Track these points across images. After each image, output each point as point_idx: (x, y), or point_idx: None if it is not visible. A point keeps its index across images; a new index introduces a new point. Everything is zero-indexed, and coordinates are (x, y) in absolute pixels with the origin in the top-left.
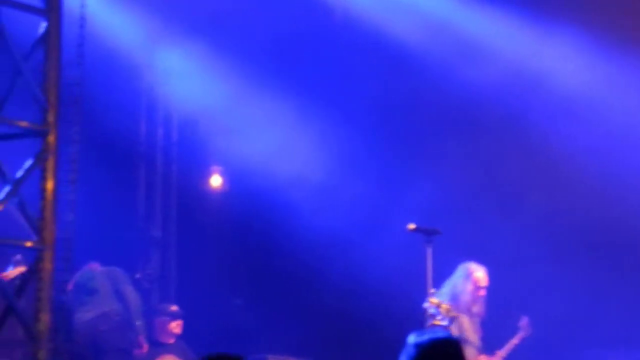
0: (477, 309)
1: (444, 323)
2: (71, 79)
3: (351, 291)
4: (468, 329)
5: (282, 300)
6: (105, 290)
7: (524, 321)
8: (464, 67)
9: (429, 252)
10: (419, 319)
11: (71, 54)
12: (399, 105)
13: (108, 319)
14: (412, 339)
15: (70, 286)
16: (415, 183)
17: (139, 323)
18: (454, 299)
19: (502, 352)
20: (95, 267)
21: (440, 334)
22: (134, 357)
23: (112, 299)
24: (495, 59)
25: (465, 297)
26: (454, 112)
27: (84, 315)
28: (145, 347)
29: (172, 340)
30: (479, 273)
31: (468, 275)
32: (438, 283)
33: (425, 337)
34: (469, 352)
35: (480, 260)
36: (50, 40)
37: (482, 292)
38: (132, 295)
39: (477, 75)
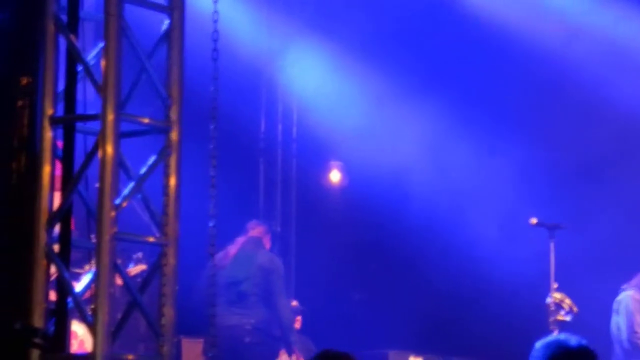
0: None
1: (567, 319)
2: (198, 75)
3: (473, 286)
4: None
5: (402, 295)
6: (256, 297)
7: None
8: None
9: (552, 246)
10: (543, 315)
11: (192, 50)
12: (520, 97)
13: (251, 332)
14: (539, 344)
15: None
16: (536, 175)
17: (293, 339)
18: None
19: None
20: (256, 231)
21: (573, 341)
22: None
23: (261, 310)
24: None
25: None
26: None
27: (231, 317)
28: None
29: None
30: None
31: None
32: (561, 277)
33: (556, 346)
34: None
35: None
36: (174, 37)
37: None
38: (284, 309)
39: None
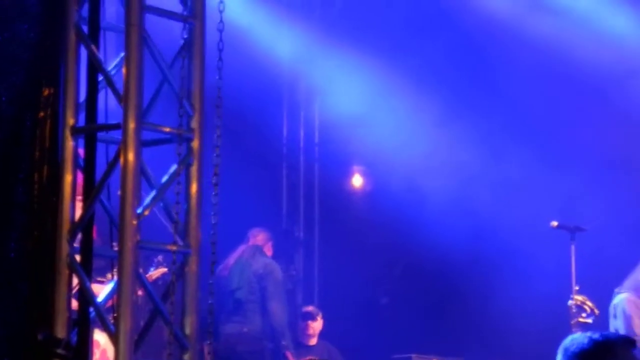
0: None
1: (589, 320)
2: (213, 84)
3: (496, 290)
4: None
5: (426, 299)
6: (252, 304)
7: None
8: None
9: (573, 248)
10: (564, 317)
11: (213, 59)
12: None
13: (245, 340)
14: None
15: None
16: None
17: (284, 342)
18: (638, 292)
19: None
20: (258, 238)
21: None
22: None
23: (255, 316)
24: None
25: None
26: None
27: (227, 325)
28: None
29: (313, 342)
30: None
31: None
32: (582, 280)
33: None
34: None
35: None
36: (195, 46)
37: None
38: (276, 312)
39: None
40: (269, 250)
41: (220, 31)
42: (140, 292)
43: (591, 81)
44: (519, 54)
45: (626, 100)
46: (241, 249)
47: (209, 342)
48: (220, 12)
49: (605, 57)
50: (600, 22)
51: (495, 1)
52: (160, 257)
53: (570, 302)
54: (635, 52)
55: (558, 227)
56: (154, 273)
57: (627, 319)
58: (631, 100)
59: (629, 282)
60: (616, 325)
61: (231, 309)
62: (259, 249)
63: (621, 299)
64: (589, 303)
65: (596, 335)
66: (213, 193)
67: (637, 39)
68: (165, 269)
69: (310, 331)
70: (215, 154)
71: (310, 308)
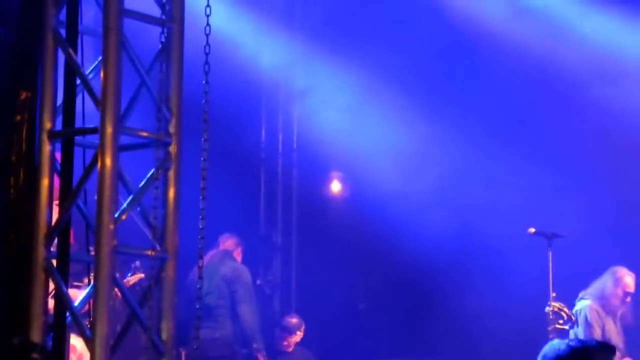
0: (621, 313)
1: (566, 327)
2: (198, 88)
3: (473, 295)
4: (612, 331)
5: (405, 305)
6: (222, 309)
7: None
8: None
9: (550, 255)
10: (541, 323)
11: (192, 63)
12: (521, 111)
13: (217, 345)
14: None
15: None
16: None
17: (255, 346)
18: (602, 300)
19: None
20: (227, 244)
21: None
22: None
23: (225, 321)
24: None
25: (613, 301)
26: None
27: (199, 331)
28: None
29: (290, 349)
30: (628, 278)
31: (617, 280)
32: (559, 286)
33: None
34: None
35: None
36: (173, 50)
37: (629, 299)
38: (247, 316)
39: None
40: (238, 256)
41: (207, 35)
42: (117, 293)
43: (573, 84)
44: (501, 55)
45: (605, 105)
46: (211, 254)
47: (195, 347)
48: (207, 16)
49: (588, 60)
50: (581, 26)
51: (477, 3)
52: (137, 263)
53: (547, 309)
54: (618, 56)
55: (535, 233)
56: (132, 279)
57: (588, 327)
58: (610, 105)
59: (593, 289)
60: (576, 332)
61: (202, 314)
62: (228, 254)
63: (584, 305)
64: (566, 310)
65: (574, 342)
66: (200, 197)
67: (618, 43)
68: (142, 275)
69: (286, 343)
70: (202, 158)
71: (293, 321)
